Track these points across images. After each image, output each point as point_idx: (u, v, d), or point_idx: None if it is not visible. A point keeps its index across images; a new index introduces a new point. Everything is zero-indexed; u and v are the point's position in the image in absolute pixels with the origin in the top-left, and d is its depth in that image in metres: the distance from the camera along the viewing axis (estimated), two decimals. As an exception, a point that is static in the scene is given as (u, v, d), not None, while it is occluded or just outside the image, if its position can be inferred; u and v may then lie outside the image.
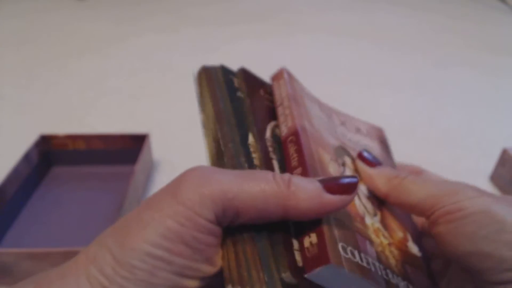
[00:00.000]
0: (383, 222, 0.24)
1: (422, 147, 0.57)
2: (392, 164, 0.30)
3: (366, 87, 0.73)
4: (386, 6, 1.20)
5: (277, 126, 0.24)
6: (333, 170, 0.23)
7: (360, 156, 0.26)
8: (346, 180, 0.18)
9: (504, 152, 0.49)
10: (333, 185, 0.18)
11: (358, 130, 0.30)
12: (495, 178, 0.50)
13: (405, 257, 0.23)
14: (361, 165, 0.26)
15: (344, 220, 0.20)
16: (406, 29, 1.01)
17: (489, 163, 0.53)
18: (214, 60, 0.81)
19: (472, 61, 0.85)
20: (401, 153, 0.55)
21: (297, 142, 0.22)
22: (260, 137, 0.22)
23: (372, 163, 0.26)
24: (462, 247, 0.20)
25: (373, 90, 0.72)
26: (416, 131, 0.61)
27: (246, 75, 0.26)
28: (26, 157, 0.44)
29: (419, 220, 0.27)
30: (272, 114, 0.25)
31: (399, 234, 0.24)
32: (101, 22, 1.02)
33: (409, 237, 0.25)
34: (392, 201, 0.24)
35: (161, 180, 0.49)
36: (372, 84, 0.74)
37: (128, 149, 0.49)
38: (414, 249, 0.24)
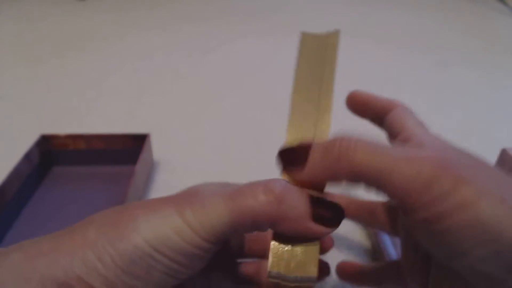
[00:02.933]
0: None
1: (421, 147, 0.57)
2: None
3: (365, 87, 0.73)
4: (386, 6, 1.20)
5: None
6: None
7: (281, 156, 0.21)
8: (334, 211, 0.18)
9: (503, 152, 0.49)
10: (320, 214, 0.18)
11: None
12: (494, 178, 0.51)
13: None
14: (290, 174, 0.21)
15: None
16: (405, 29, 1.01)
17: (489, 163, 0.53)
18: (214, 60, 0.81)
19: (472, 61, 0.85)
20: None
21: None
22: None
23: (297, 159, 0.20)
24: (454, 264, 0.17)
25: (372, 90, 0.72)
26: (416, 131, 0.61)
27: None
28: (27, 157, 0.45)
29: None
30: None
31: None
32: (101, 22, 1.03)
33: None
34: (342, 178, 0.19)
35: (161, 179, 0.49)
36: (372, 83, 0.74)
37: (128, 149, 0.49)
38: None
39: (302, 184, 0.20)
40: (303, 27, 1.14)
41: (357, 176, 0.18)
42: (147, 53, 0.85)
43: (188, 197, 0.18)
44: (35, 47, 0.87)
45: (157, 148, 0.54)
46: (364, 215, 0.27)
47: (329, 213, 0.18)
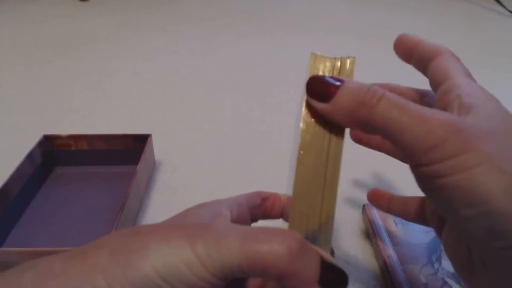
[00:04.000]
0: None
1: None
2: None
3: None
4: (385, 8, 1.20)
5: None
6: None
7: (309, 87, 0.21)
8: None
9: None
10: (326, 278, 0.18)
11: None
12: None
13: None
14: (315, 105, 0.21)
15: None
16: (404, 30, 1.01)
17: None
18: (215, 61, 0.82)
19: (470, 62, 0.85)
20: (400, 154, 0.56)
21: None
22: None
23: (327, 92, 0.20)
24: (446, 217, 0.20)
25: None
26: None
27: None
28: (29, 157, 0.45)
29: None
30: None
31: None
32: (103, 23, 1.03)
33: None
34: (365, 130, 0.20)
35: (163, 180, 0.49)
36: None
37: (130, 149, 0.49)
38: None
39: (321, 120, 0.21)
40: (303, 27, 1.14)
41: (374, 125, 0.20)
42: (148, 54, 0.85)
43: (201, 229, 0.18)
44: (37, 48, 0.87)
45: (159, 148, 0.54)
46: (399, 208, 0.30)
47: (335, 278, 0.18)
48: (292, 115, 0.64)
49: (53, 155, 0.50)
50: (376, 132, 0.20)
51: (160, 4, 1.18)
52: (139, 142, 0.49)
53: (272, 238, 0.17)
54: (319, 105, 0.21)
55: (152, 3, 1.19)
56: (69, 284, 0.17)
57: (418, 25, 1.06)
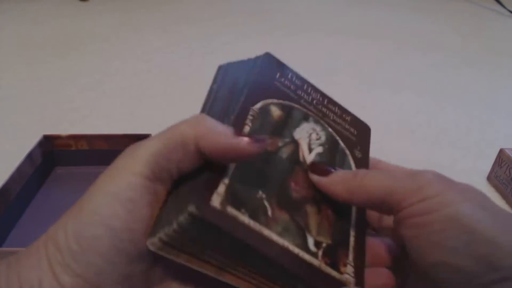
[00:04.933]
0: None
1: (420, 147, 0.57)
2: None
3: (365, 87, 0.73)
4: (385, 8, 1.20)
5: (273, 104, 0.26)
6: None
7: (312, 167, 0.24)
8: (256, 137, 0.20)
9: (501, 152, 0.49)
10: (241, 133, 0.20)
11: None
12: (491, 178, 0.51)
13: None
14: (315, 178, 0.24)
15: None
16: (405, 30, 1.02)
17: (486, 163, 0.53)
18: (215, 60, 0.82)
19: (470, 62, 0.86)
20: (399, 153, 0.56)
21: None
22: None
23: (325, 171, 0.24)
24: (428, 257, 0.19)
25: (372, 90, 0.73)
26: (414, 131, 0.61)
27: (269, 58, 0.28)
28: (29, 157, 0.45)
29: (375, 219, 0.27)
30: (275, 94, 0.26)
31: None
32: (103, 23, 1.03)
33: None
34: (357, 202, 0.23)
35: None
36: (371, 84, 0.75)
37: (130, 149, 0.49)
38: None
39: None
40: (304, 28, 1.14)
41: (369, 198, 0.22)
42: (148, 54, 0.85)
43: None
44: (37, 48, 0.87)
45: (158, 148, 0.54)
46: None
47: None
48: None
49: (53, 155, 0.50)
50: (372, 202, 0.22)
51: (160, 4, 1.18)
52: (139, 142, 0.49)
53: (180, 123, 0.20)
54: (320, 179, 0.24)
55: (152, 3, 1.19)
56: (29, 264, 0.18)
57: (418, 25, 1.06)
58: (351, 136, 0.30)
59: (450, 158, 0.55)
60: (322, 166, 0.24)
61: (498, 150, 0.50)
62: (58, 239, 0.18)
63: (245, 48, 0.88)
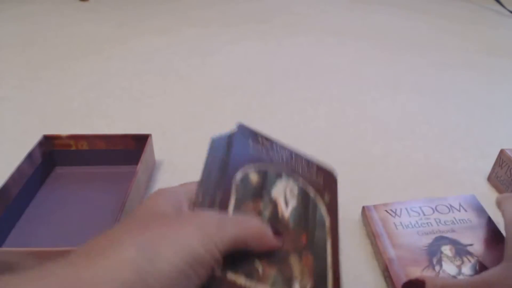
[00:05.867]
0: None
1: (420, 148, 0.57)
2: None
3: (365, 88, 0.73)
4: (385, 8, 1.20)
5: (251, 171, 0.31)
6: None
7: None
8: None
9: (502, 153, 0.49)
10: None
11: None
12: (492, 178, 0.51)
13: None
14: None
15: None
16: (405, 30, 1.02)
17: (487, 164, 0.53)
18: (215, 61, 0.82)
19: (470, 62, 0.86)
20: (399, 153, 0.56)
21: None
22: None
23: None
24: None
25: (372, 91, 0.73)
26: (415, 132, 0.61)
27: (242, 128, 0.34)
28: (30, 157, 0.45)
29: None
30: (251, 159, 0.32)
31: None
32: (103, 23, 1.03)
33: None
34: None
35: (163, 179, 0.49)
36: (371, 85, 0.75)
37: (130, 149, 0.49)
38: None
39: None
40: (304, 28, 1.14)
41: None
42: (149, 55, 0.85)
43: (196, 218, 0.23)
44: (37, 48, 0.87)
45: (159, 148, 0.54)
46: None
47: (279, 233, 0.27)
48: (292, 115, 0.64)
49: (53, 155, 0.50)
50: None
51: (160, 4, 1.18)
52: (139, 142, 0.49)
53: (248, 220, 0.25)
54: None
55: (152, 3, 1.19)
56: (96, 280, 0.17)
57: (418, 25, 1.06)
58: (319, 184, 0.35)
59: (451, 159, 0.55)
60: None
61: (499, 150, 0.50)
62: (141, 272, 0.19)
63: (245, 48, 0.88)
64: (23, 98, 0.68)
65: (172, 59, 0.83)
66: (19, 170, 0.43)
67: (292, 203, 0.31)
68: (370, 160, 0.53)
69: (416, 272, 0.35)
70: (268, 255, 0.26)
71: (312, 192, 0.34)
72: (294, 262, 0.27)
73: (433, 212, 0.41)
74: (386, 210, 0.42)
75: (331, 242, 0.31)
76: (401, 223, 0.40)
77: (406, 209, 0.42)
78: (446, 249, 0.36)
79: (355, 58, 0.86)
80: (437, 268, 0.35)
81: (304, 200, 0.32)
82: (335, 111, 0.65)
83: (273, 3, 1.22)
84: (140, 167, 0.44)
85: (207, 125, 0.61)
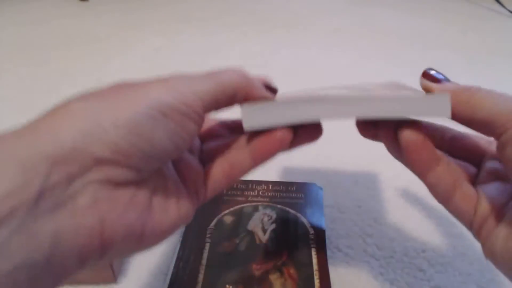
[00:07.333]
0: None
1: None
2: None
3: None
4: (385, 9, 1.21)
5: (225, 214, 0.33)
6: None
7: (424, 74, 0.25)
8: None
9: (502, 153, 0.49)
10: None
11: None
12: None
13: None
14: (425, 83, 0.25)
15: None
16: (405, 30, 1.02)
17: (487, 164, 0.53)
18: (215, 61, 0.82)
19: (470, 62, 0.86)
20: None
21: None
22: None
23: (437, 78, 0.25)
24: None
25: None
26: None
27: None
28: (30, 158, 0.45)
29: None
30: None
31: None
32: (103, 23, 1.03)
33: None
34: (460, 116, 0.23)
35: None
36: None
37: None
38: None
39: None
40: (304, 27, 1.14)
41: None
42: (149, 54, 0.85)
43: (174, 80, 0.20)
44: (37, 48, 0.87)
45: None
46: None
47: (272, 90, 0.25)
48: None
49: (53, 155, 0.50)
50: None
51: (160, 4, 1.18)
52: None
53: (228, 71, 0.22)
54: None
55: (152, 3, 1.19)
56: (44, 138, 0.16)
57: (418, 25, 1.06)
58: (300, 200, 0.36)
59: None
60: (434, 75, 0.25)
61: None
62: (99, 120, 0.17)
63: (245, 48, 0.88)
64: (23, 98, 0.68)
65: (172, 59, 0.83)
66: (19, 170, 0.43)
67: (271, 227, 0.33)
68: (370, 160, 0.53)
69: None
70: (245, 279, 0.28)
71: (292, 210, 0.35)
72: (275, 279, 0.29)
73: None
74: None
75: (316, 249, 0.32)
76: None
77: None
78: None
79: (355, 57, 0.86)
80: None
81: (284, 219, 0.34)
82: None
83: (273, 3, 1.22)
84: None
85: (207, 125, 0.61)
